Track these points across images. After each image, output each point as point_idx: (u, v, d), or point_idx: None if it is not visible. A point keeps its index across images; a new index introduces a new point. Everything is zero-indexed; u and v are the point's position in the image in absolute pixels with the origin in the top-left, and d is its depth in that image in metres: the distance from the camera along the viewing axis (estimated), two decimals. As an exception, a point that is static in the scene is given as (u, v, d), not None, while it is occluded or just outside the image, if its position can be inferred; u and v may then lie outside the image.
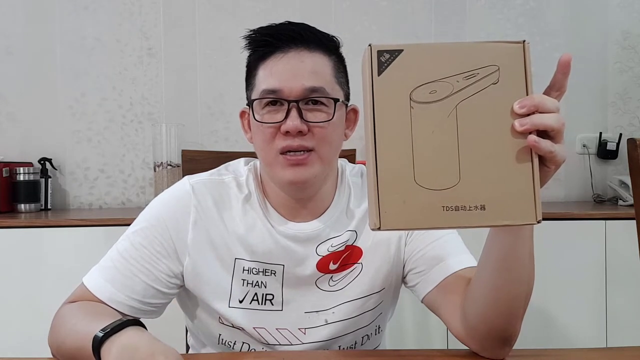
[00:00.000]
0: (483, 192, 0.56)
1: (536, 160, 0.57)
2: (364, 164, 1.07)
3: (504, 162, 0.56)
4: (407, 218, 0.56)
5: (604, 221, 1.84)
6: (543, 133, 0.57)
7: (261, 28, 0.86)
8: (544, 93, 0.60)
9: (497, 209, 0.56)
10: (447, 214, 0.55)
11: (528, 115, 0.56)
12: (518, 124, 0.56)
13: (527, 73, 0.57)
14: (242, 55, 0.89)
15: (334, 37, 0.88)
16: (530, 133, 0.56)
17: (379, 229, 0.56)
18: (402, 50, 0.56)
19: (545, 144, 0.56)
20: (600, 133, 2.34)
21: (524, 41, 0.57)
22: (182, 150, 1.42)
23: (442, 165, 0.56)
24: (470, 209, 0.56)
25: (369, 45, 0.56)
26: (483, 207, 0.56)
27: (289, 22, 0.85)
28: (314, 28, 0.85)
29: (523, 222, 0.57)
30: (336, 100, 0.84)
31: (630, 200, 1.97)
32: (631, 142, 1.16)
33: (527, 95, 0.57)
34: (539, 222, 0.56)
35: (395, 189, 0.56)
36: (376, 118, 0.56)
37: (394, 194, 0.55)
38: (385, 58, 0.56)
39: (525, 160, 0.56)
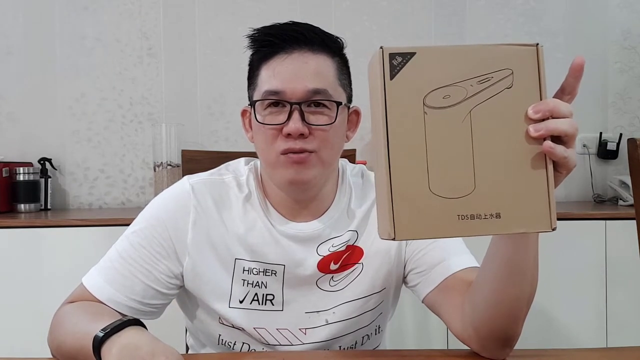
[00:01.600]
0: (498, 200, 0.55)
1: (550, 167, 0.56)
2: (365, 163, 1.07)
3: (519, 168, 0.55)
4: (422, 227, 0.54)
5: (604, 221, 1.83)
6: (556, 138, 0.57)
7: (264, 27, 0.85)
8: (554, 96, 0.59)
9: (512, 217, 0.55)
10: (462, 222, 0.54)
11: (542, 120, 0.56)
12: (533, 130, 0.55)
13: (540, 77, 0.56)
14: (242, 56, 0.89)
15: (338, 38, 0.87)
16: (544, 139, 0.55)
17: (393, 239, 0.54)
18: (414, 53, 0.54)
19: (559, 150, 0.56)
20: (601, 133, 2.34)
21: (537, 44, 0.56)
22: (182, 150, 1.42)
23: (456, 173, 0.54)
24: (486, 217, 0.54)
25: (380, 47, 0.54)
26: (498, 215, 0.55)
27: (293, 22, 0.84)
28: (317, 28, 0.85)
29: (538, 229, 0.56)
30: (339, 104, 0.83)
31: (631, 200, 1.97)
32: (631, 142, 1.16)
33: (540, 99, 0.56)
34: (554, 229, 0.55)
35: (410, 198, 0.54)
36: (389, 124, 0.54)
37: (408, 203, 0.54)
38: (397, 61, 0.54)
39: (540, 167, 0.55)
